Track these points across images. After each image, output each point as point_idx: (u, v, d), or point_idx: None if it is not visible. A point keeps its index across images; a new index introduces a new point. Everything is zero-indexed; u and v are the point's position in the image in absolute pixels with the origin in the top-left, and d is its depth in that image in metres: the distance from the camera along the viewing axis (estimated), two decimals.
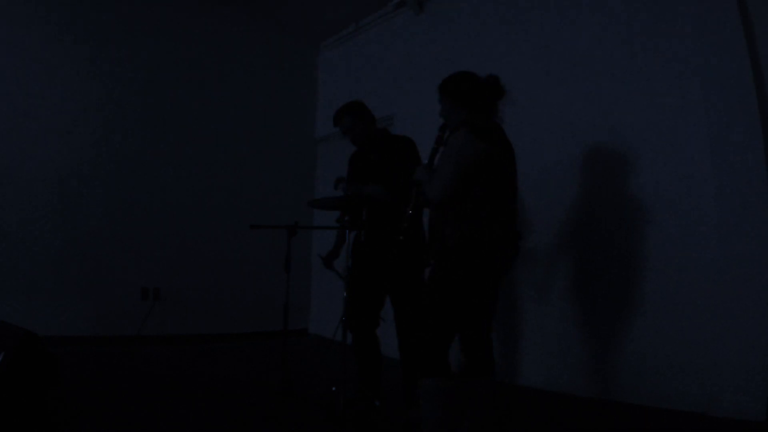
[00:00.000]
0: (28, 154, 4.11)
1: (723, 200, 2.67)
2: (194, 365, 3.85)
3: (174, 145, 4.79)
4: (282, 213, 4.62)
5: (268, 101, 5.40)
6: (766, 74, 2.63)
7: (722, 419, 2.49)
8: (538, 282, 3.41)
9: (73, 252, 4.23)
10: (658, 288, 2.87)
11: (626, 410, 2.80)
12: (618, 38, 3.17)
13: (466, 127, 1.97)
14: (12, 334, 2.12)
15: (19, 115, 4.10)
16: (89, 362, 3.64)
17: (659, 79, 2.97)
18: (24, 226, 4.05)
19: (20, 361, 2.04)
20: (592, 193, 3.23)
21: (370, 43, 5.17)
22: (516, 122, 3.55)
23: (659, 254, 2.89)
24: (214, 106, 5.05)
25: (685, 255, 2.79)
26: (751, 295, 2.52)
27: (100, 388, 2.96)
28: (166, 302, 4.59)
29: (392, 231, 2.37)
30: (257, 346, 4.66)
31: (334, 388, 2.69)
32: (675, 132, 2.89)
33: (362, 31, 5.27)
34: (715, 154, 2.71)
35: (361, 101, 2.85)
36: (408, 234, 2.26)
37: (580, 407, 2.94)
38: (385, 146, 2.77)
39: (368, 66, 5.11)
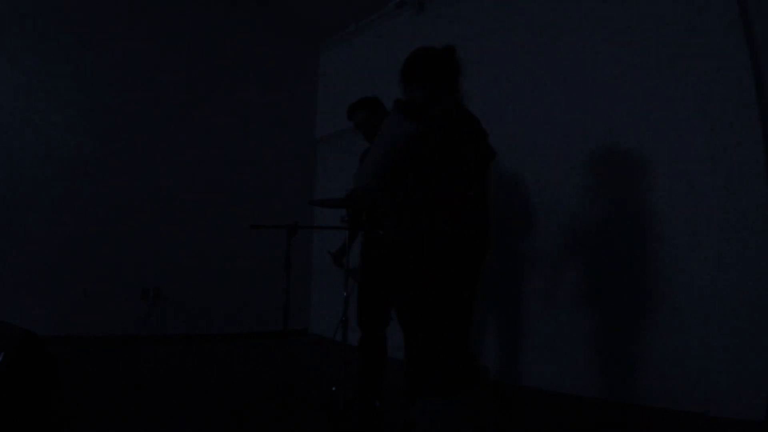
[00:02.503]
0: (28, 154, 4.11)
1: (723, 200, 2.67)
2: (194, 365, 3.85)
3: (174, 144, 4.79)
4: (282, 213, 4.63)
5: (268, 101, 5.40)
6: (766, 76, 2.63)
7: (722, 419, 2.49)
8: (543, 283, 3.41)
9: (73, 252, 4.22)
10: (659, 288, 2.87)
11: (626, 410, 2.80)
12: (620, 40, 3.17)
13: (397, 107, 1.78)
14: (12, 334, 2.12)
15: (18, 116, 4.10)
16: (89, 362, 3.64)
17: (660, 80, 2.97)
18: (24, 226, 4.05)
19: (20, 361, 2.03)
20: (596, 196, 3.23)
21: (370, 43, 5.16)
22: (521, 123, 3.58)
23: (660, 255, 2.89)
24: (214, 106, 5.05)
25: (685, 256, 2.79)
26: (751, 295, 2.52)
27: (100, 388, 2.96)
28: (166, 302, 4.59)
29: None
30: (257, 346, 4.66)
31: (334, 388, 2.69)
32: (677, 132, 2.89)
33: (362, 31, 5.27)
34: (715, 155, 2.71)
35: (376, 97, 2.81)
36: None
37: (580, 407, 2.94)
38: None
39: (368, 66, 5.10)
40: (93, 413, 2.50)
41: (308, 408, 2.71)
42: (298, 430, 2.40)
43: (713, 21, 2.77)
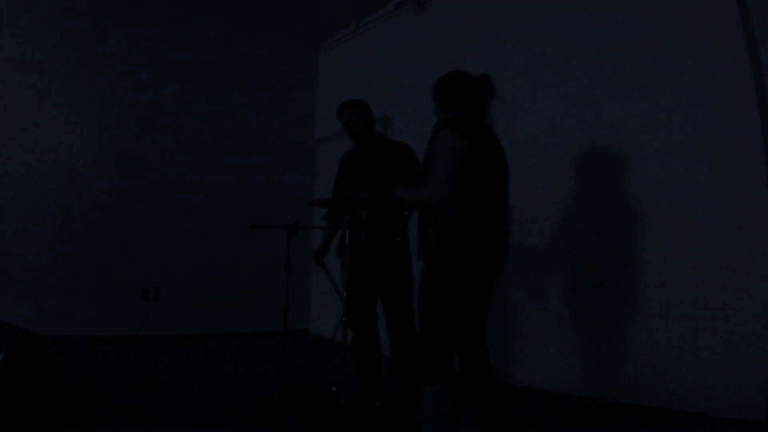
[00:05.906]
0: (29, 154, 4.12)
1: (722, 199, 2.67)
2: (194, 365, 3.85)
3: (174, 145, 4.79)
4: (282, 213, 4.62)
5: (268, 101, 5.41)
6: (766, 74, 2.63)
7: (722, 419, 2.49)
8: (536, 282, 3.41)
9: (73, 252, 4.23)
10: (657, 287, 2.87)
11: (626, 410, 2.80)
12: (617, 37, 3.17)
13: (447, 126, 1.96)
14: (12, 334, 2.12)
15: (19, 117, 4.10)
16: (89, 362, 3.64)
17: (658, 78, 2.97)
18: (24, 227, 4.05)
19: (20, 361, 2.04)
20: (590, 193, 3.23)
21: (370, 43, 5.16)
22: (514, 120, 3.58)
23: (658, 254, 2.88)
24: (215, 106, 5.05)
25: (684, 254, 2.79)
26: (750, 294, 2.51)
27: (100, 388, 2.96)
28: (166, 302, 4.59)
29: (389, 231, 2.43)
30: (257, 346, 4.66)
31: (334, 388, 2.69)
32: (674, 131, 2.89)
33: (362, 31, 5.27)
34: (714, 154, 2.71)
35: (365, 101, 2.88)
36: (404, 235, 2.31)
37: (579, 407, 2.94)
38: (381, 147, 2.80)
39: (368, 66, 5.11)
40: (93, 413, 2.50)
41: (308, 408, 2.71)
42: (298, 430, 2.40)
43: (713, 16, 2.77)
